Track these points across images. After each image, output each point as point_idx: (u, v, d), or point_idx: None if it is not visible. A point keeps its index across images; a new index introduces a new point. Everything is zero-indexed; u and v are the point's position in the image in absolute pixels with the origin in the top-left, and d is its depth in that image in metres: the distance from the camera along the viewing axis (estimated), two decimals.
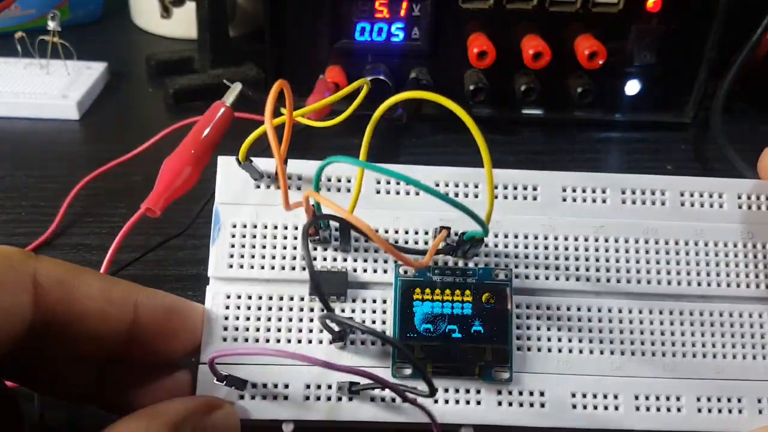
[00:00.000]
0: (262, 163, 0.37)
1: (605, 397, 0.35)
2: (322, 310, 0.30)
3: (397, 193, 0.38)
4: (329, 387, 0.35)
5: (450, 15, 0.62)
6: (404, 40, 0.64)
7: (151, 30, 0.83)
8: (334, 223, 0.35)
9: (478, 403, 0.35)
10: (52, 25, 0.63)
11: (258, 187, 0.38)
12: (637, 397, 0.35)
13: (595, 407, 0.35)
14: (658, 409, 0.35)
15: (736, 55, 0.60)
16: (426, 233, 0.37)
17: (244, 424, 0.35)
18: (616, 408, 0.35)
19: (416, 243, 0.37)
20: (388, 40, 0.63)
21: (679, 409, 0.35)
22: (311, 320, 0.36)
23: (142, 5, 0.83)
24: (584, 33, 0.60)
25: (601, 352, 0.36)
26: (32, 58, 0.65)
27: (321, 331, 0.35)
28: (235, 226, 0.37)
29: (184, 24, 0.76)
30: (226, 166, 0.37)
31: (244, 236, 0.37)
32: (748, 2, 0.59)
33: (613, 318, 0.36)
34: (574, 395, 0.35)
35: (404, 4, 0.61)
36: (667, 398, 0.35)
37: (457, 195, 0.38)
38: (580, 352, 0.36)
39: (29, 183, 0.55)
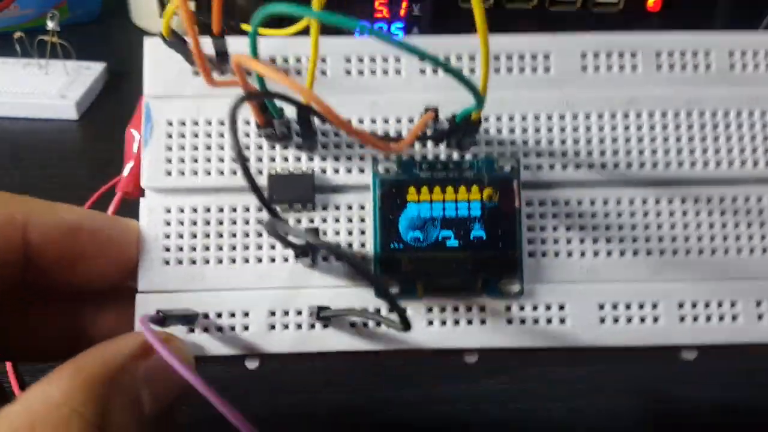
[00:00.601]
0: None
1: (641, 307, 0.29)
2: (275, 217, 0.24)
3: (373, 72, 0.30)
4: (298, 312, 0.29)
5: (450, 15, 0.62)
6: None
7: (151, 30, 0.82)
8: (292, 114, 0.28)
9: (483, 322, 0.29)
10: (51, 25, 0.64)
11: (197, 74, 0.30)
12: (681, 305, 0.29)
13: (629, 320, 0.29)
14: (709, 319, 0.29)
15: None
16: (410, 121, 0.30)
17: (197, 364, 0.29)
18: (656, 320, 0.29)
19: (399, 134, 0.30)
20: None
21: (734, 318, 0.29)
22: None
23: (141, 5, 0.82)
24: (585, 32, 0.59)
25: (635, 254, 0.29)
26: (31, 58, 0.66)
27: (286, 247, 0.28)
28: (171, 124, 0.30)
29: (183, 24, 0.73)
30: (155, 49, 0.30)
31: (183, 136, 0.30)
32: (748, 1, 0.60)
33: (649, 212, 0.29)
34: (601, 307, 0.29)
35: (404, 4, 0.62)
36: (719, 305, 0.29)
37: (438, 71, 0.30)
38: (608, 254, 0.29)
39: (28, 183, 0.55)
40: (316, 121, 0.29)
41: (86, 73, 0.67)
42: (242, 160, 0.21)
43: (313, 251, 0.27)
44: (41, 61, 0.65)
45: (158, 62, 0.30)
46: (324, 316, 0.27)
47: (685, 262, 0.29)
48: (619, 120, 0.30)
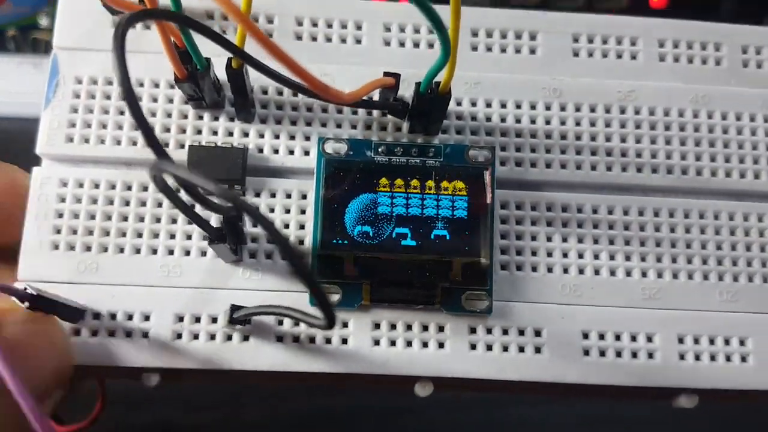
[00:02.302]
0: None
1: (634, 339, 0.24)
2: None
3: (328, 39, 0.27)
4: (213, 320, 0.24)
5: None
6: None
7: None
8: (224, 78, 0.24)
9: (441, 345, 0.24)
10: (44, 22, 0.62)
11: None
12: (681, 340, 0.24)
13: (619, 354, 0.24)
14: (713, 358, 0.24)
15: None
16: (369, 113, 0.26)
17: (80, 371, 0.24)
18: (650, 356, 0.24)
19: (354, 113, 0.26)
20: None
21: (743, 358, 0.24)
22: (190, 222, 0.24)
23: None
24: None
25: (628, 273, 0.25)
26: (25, 56, 0.64)
27: (206, 239, 0.23)
28: (80, 82, 0.26)
29: None
30: None
31: (92, 96, 0.26)
32: None
33: (646, 224, 0.25)
34: (586, 336, 0.24)
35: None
36: (726, 341, 0.24)
37: (405, 44, 0.26)
38: (597, 272, 0.25)
39: None
40: (254, 86, 0.25)
41: None
42: (128, 91, 0.16)
43: (233, 236, 0.22)
44: (35, 59, 0.63)
45: (74, 9, 0.26)
46: (237, 317, 0.22)
47: (691, 287, 0.25)
48: (614, 114, 0.26)
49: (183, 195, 0.20)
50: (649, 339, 0.24)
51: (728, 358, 0.24)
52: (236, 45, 0.21)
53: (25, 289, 0.21)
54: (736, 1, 0.58)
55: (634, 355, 0.24)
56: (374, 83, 0.22)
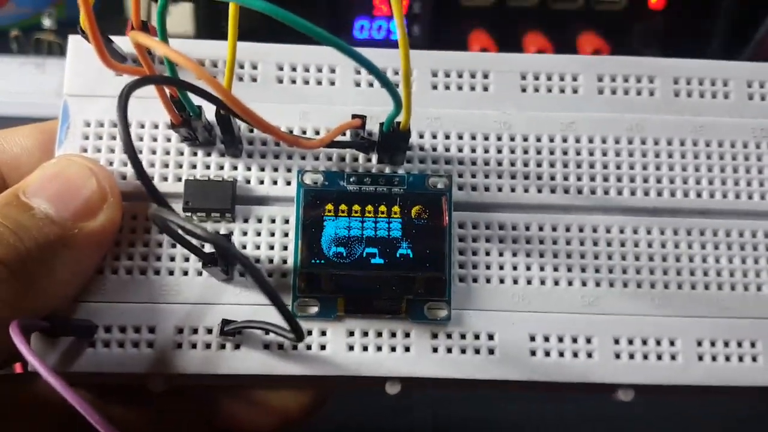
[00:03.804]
0: (125, 44, 0.30)
1: (575, 341, 0.29)
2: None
3: (306, 82, 0.31)
4: (209, 331, 0.28)
5: (451, 12, 0.63)
6: None
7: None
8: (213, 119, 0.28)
9: (407, 349, 0.28)
10: (47, 23, 0.65)
11: (120, 75, 0.30)
12: (617, 341, 0.29)
13: (561, 354, 0.28)
14: (645, 357, 0.28)
15: (742, 51, 0.61)
16: (343, 135, 0.30)
17: (92, 379, 0.28)
18: (590, 355, 0.28)
19: (330, 150, 0.30)
20: (388, 37, 0.63)
21: (673, 357, 0.29)
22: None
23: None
24: (587, 30, 0.62)
25: (570, 283, 0.29)
26: (27, 57, 0.67)
27: (202, 262, 0.28)
28: (88, 125, 0.30)
29: (181, 22, 0.72)
30: (78, 46, 0.30)
31: (100, 138, 0.30)
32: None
33: (585, 239, 0.29)
34: (533, 339, 0.28)
35: (404, 1, 0.62)
36: (658, 342, 0.29)
37: (374, 84, 0.31)
38: (542, 283, 0.29)
39: None
40: (241, 126, 0.29)
41: None
42: (130, 147, 0.20)
43: (224, 260, 0.26)
44: (38, 60, 0.66)
45: (81, 59, 0.30)
46: (227, 330, 0.26)
47: (624, 294, 0.29)
48: (557, 143, 0.30)
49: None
50: (588, 341, 0.28)
51: (659, 357, 0.28)
52: (224, 103, 0.25)
53: (46, 320, 0.26)
54: (736, 1, 0.60)
55: (575, 354, 0.28)
56: (342, 126, 0.27)
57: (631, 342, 0.28)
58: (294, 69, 0.31)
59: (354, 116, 0.28)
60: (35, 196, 0.26)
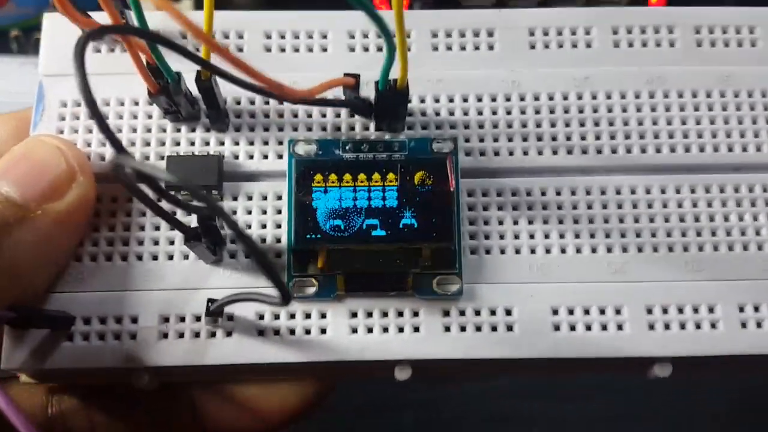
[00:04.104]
0: (104, 18, 0.28)
1: (602, 312, 0.26)
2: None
3: (296, 49, 0.29)
4: (197, 318, 0.26)
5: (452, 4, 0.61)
6: None
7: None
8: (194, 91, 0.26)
9: (416, 329, 0.26)
10: None
11: (98, 51, 0.29)
12: (649, 311, 0.26)
13: (589, 327, 0.26)
14: (683, 326, 0.26)
15: None
16: (337, 116, 0.28)
17: (74, 372, 0.26)
18: (620, 327, 0.26)
19: (324, 117, 0.28)
20: None
21: (713, 325, 0.26)
22: (172, 228, 0.26)
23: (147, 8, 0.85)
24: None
25: (593, 250, 0.26)
26: (27, 57, 0.66)
27: (185, 238, 0.25)
28: (65, 105, 0.28)
29: None
30: (54, 24, 0.29)
31: (77, 118, 0.28)
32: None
33: (608, 202, 0.27)
34: (556, 312, 0.26)
35: (405, 1, 0.61)
36: (695, 310, 0.26)
37: (369, 48, 0.29)
38: (563, 251, 0.26)
39: None
40: (227, 98, 0.27)
41: None
42: (89, 97, 0.18)
43: (210, 235, 0.24)
44: (38, 60, 0.65)
45: (56, 38, 0.29)
46: (214, 308, 0.24)
47: (655, 259, 0.26)
48: (572, 100, 0.28)
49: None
50: (618, 311, 0.26)
51: (698, 326, 0.25)
52: (199, 55, 0.23)
53: (12, 309, 0.23)
54: (737, 2, 0.60)
55: (604, 327, 0.25)
56: (332, 82, 0.24)
57: (665, 311, 0.26)
58: (282, 36, 0.29)
59: (346, 74, 0.25)
60: (0, 179, 0.24)
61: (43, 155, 0.25)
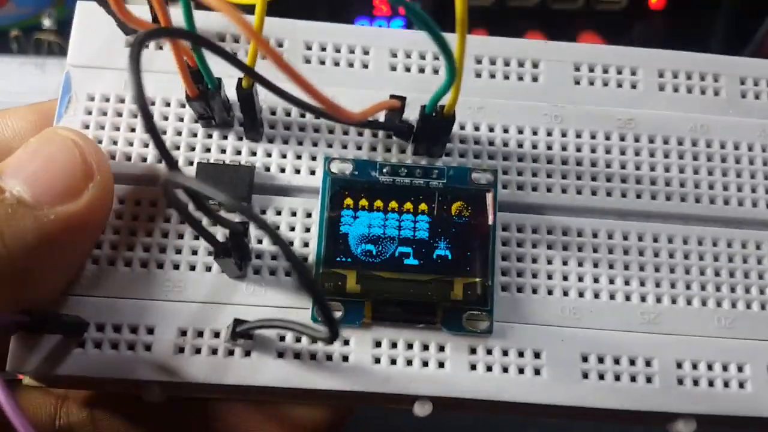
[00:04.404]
0: (140, 12, 0.27)
1: (632, 363, 0.25)
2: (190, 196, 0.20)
3: (336, 63, 0.28)
4: (215, 334, 0.25)
5: (451, 12, 0.63)
6: None
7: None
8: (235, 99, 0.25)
9: (441, 365, 0.25)
10: (47, 23, 0.65)
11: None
12: (680, 365, 0.25)
13: (618, 378, 0.25)
14: (711, 384, 0.25)
15: (742, 51, 0.61)
16: (374, 135, 0.27)
17: (80, 385, 0.25)
18: (649, 380, 0.25)
19: (360, 135, 0.27)
20: None
21: (741, 385, 0.25)
22: (196, 237, 0.26)
23: (138, 2, 0.85)
24: (587, 30, 0.63)
25: (627, 298, 0.26)
26: (27, 57, 0.66)
27: (212, 254, 0.25)
28: (92, 99, 0.27)
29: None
30: (87, 13, 0.28)
31: (104, 113, 0.27)
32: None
33: (645, 249, 0.26)
34: (585, 359, 0.25)
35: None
36: (724, 367, 0.25)
37: (411, 69, 0.28)
38: (596, 296, 0.26)
39: None
40: (263, 107, 0.27)
41: None
42: (143, 103, 0.17)
43: (239, 251, 0.23)
44: (38, 60, 0.65)
45: (88, 28, 0.28)
46: (240, 330, 0.23)
47: (691, 313, 0.26)
48: (614, 141, 0.27)
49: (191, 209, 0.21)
50: (648, 363, 0.25)
51: (726, 384, 0.25)
52: (247, 64, 0.22)
53: (26, 312, 0.22)
54: (736, 1, 0.60)
55: (633, 378, 0.25)
56: (381, 104, 0.24)
57: (695, 366, 0.25)
58: (323, 49, 0.28)
59: (392, 97, 0.25)
60: (12, 177, 0.23)
61: (58, 151, 0.24)
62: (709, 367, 0.25)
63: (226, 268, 0.25)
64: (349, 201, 0.25)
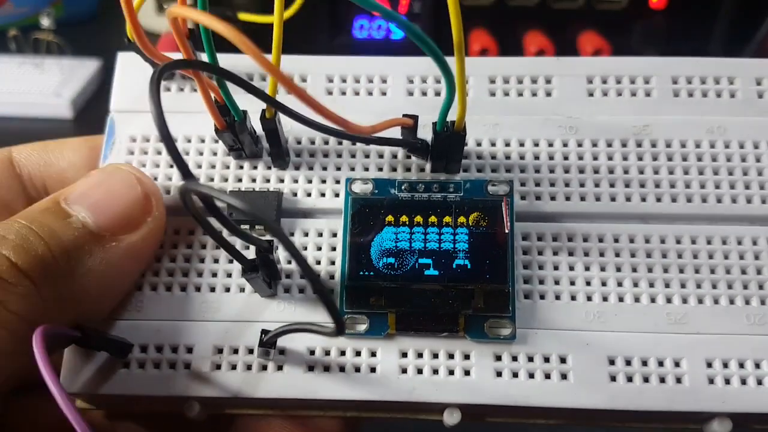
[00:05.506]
0: (174, 56, 0.30)
1: (661, 364, 0.26)
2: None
3: (356, 93, 0.30)
4: (250, 351, 0.26)
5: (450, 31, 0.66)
6: (404, 38, 0.65)
7: (146, 26, 0.89)
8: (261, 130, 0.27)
9: (467, 373, 0.26)
10: (46, 22, 0.66)
11: (168, 90, 0.31)
12: (710, 364, 0.25)
13: (646, 379, 0.25)
14: (744, 382, 0.25)
15: (742, 51, 0.61)
16: (394, 157, 0.29)
17: (127, 401, 0.27)
18: (679, 380, 0.25)
19: (380, 157, 0.29)
20: (387, 37, 0.64)
21: None
22: (230, 261, 0.28)
23: (136, 1, 0.89)
24: (588, 30, 0.63)
25: (652, 299, 0.26)
26: (26, 56, 0.69)
27: (242, 270, 0.27)
28: (134, 140, 0.30)
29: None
30: (127, 63, 0.31)
31: (145, 153, 0.30)
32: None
33: (668, 251, 0.27)
34: (612, 362, 0.26)
35: (404, 1, 0.63)
36: (757, 365, 0.25)
37: (427, 93, 0.30)
38: (620, 299, 0.26)
39: None
40: (289, 138, 0.29)
41: (81, 71, 0.68)
42: (161, 122, 0.20)
43: (267, 268, 0.25)
44: (36, 60, 0.67)
45: (128, 76, 0.31)
46: (267, 339, 0.25)
47: (717, 312, 0.26)
48: (631, 148, 0.28)
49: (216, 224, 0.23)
50: (677, 364, 0.25)
51: (760, 382, 0.25)
52: (266, 93, 0.24)
53: (76, 328, 0.25)
54: (736, 1, 0.60)
55: (662, 380, 0.25)
56: (393, 120, 0.26)
57: (726, 365, 0.25)
58: (344, 80, 0.30)
59: (405, 115, 0.27)
60: (76, 204, 0.26)
61: (121, 184, 0.27)
62: (741, 365, 0.25)
63: (257, 287, 0.27)
64: (370, 218, 0.27)
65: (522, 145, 0.29)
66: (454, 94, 0.23)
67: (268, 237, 0.26)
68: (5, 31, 0.67)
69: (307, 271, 0.18)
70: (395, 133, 0.27)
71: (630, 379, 0.25)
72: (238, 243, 0.26)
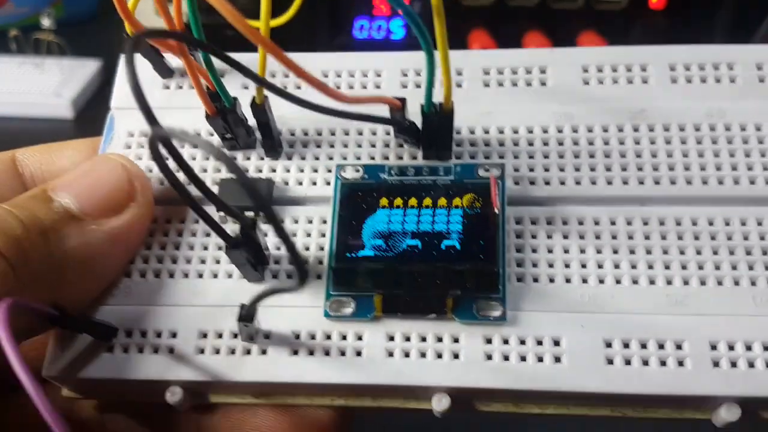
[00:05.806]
0: (175, 58, 0.31)
1: (661, 346, 0.24)
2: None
3: (350, 87, 0.31)
4: (234, 335, 0.26)
5: (451, 12, 0.67)
6: (404, 38, 0.66)
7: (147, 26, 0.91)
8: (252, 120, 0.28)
9: (456, 356, 0.25)
10: (46, 23, 0.67)
11: (167, 87, 0.31)
12: (714, 347, 0.24)
13: (645, 362, 0.24)
14: (751, 365, 0.24)
15: None
16: (386, 146, 0.29)
17: (111, 385, 0.26)
18: (681, 363, 0.24)
19: (373, 146, 0.29)
20: (388, 37, 0.65)
21: None
22: (219, 248, 0.28)
23: (136, 2, 0.93)
24: (588, 30, 0.63)
25: (652, 281, 0.25)
26: (26, 57, 0.69)
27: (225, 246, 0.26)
28: (132, 135, 0.30)
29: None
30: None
31: (141, 146, 0.30)
32: None
33: (668, 233, 0.26)
34: (609, 344, 0.25)
35: (404, 0, 0.66)
36: (765, 347, 0.24)
37: (421, 86, 0.30)
38: (617, 281, 0.25)
39: None
40: (281, 129, 0.29)
41: (82, 71, 0.69)
42: (138, 92, 0.20)
43: (249, 245, 0.25)
44: (36, 60, 0.68)
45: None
46: (244, 313, 0.24)
47: (717, 292, 0.25)
48: (627, 133, 0.28)
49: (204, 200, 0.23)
50: (678, 346, 0.24)
51: (751, 364, 0.24)
52: (251, 70, 0.25)
53: (55, 308, 0.24)
54: (736, 1, 0.61)
55: (663, 363, 0.24)
56: (380, 97, 0.26)
57: (731, 347, 0.24)
58: (339, 75, 0.31)
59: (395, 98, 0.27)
60: (62, 191, 0.26)
61: (107, 171, 0.27)
62: (748, 348, 0.24)
63: (243, 271, 0.26)
64: (359, 201, 0.27)
65: (516, 132, 0.28)
66: (432, 57, 0.23)
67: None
68: (6, 31, 0.68)
69: (272, 219, 0.18)
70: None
71: (628, 362, 0.24)
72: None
